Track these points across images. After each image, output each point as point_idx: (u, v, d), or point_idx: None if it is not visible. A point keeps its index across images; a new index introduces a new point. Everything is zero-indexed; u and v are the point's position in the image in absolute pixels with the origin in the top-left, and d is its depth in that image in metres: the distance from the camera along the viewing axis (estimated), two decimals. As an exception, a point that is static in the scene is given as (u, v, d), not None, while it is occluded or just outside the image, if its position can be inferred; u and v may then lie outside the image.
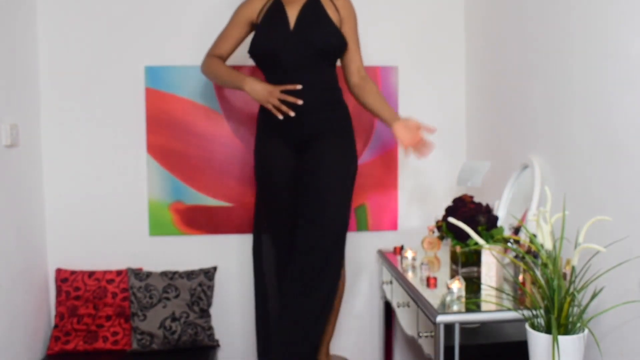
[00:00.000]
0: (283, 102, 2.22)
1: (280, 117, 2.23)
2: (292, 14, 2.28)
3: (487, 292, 1.96)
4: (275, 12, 2.30)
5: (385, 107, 2.33)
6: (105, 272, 2.73)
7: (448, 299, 1.90)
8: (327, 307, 2.28)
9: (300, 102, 2.20)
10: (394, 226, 2.95)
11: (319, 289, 2.22)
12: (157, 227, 2.83)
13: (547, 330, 1.51)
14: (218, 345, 2.72)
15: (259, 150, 2.41)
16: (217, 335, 2.82)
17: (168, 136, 2.80)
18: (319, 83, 2.28)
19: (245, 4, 2.38)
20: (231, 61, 2.48)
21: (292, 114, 2.21)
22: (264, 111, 2.35)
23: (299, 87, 2.21)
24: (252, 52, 2.31)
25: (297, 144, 2.31)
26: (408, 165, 2.94)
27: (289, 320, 2.22)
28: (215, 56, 2.41)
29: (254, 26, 2.36)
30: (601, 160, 1.73)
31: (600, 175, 1.73)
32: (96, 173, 2.79)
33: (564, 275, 1.66)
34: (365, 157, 2.89)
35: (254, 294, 2.55)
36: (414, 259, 2.43)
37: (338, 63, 2.40)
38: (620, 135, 1.64)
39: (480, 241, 1.72)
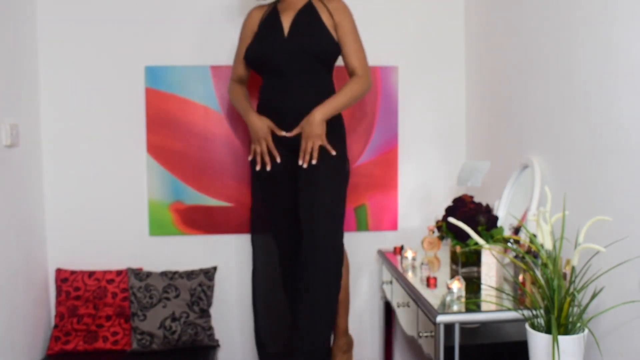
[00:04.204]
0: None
1: (258, 166, 2.32)
2: (287, 20, 2.32)
3: (487, 292, 1.96)
4: (271, 19, 2.36)
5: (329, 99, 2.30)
6: (105, 272, 2.73)
7: (448, 299, 1.90)
8: (332, 284, 2.27)
9: (278, 160, 2.30)
10: (394, 226, 2.95)
11: (323, 278, 2.23)
12: (157, 227, 2.83)
13: (547, 330, 1.51)
14: (218, 345, 2.72)
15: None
16: (217, 335, 2.82)
17: (168, 136, 2.80)
18: (314, 87, 2.31)
19: (246, 20, 2.46)
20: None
21: (268, 167, 2.31)
22: (261, 114, 2.37)
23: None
24: (247, 57, 2.38)
25: (292, 145, 2.32)
26: (408, 166, 2.94)
27: (305, 312, 2.26)
28: (236, 79, 2.51)
29: None
30: (601, 160, 1.73)
31: (600, 175, 1.73)
32: (96, 173, 2.79)
33: (564, 275, 1.66)
34: (365, 157, 2.89)
35: (252, 292, 2.61)
36: (414, 259, 2.43)
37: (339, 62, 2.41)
38: (620, 135, 1.63)
39: (480, 241, 1.71)
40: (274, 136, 2.33)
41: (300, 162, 2.25)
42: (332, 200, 2.25)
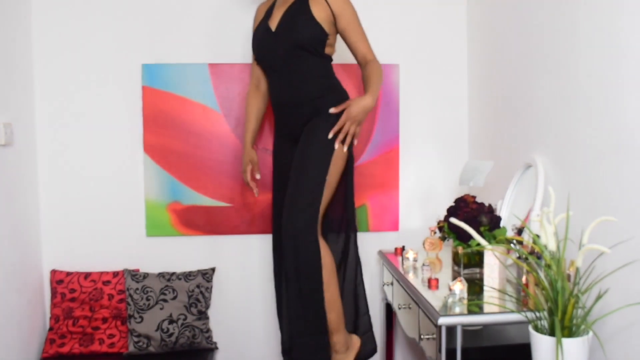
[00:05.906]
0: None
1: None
2: (278, 16, 2.35)
3: (490, 294, 1.95)
4: (266, 16, 2.41)
5: (367, 85, 2.33)
6: (101, 274, 2.70)
7: (450, 300, 1.89)
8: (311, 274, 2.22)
9: (258, 176, 2.48)
10: (395, 227, 2.92)
11: (299, 263, 2.19)
12: (154, 228, 2.80)
13: (551, 332, 1.50)
14: (216, 348, 2.71)
15: (274, 150, 2.53)
16: (215, 337, 2.80)
17: (165, 135, 2.77)
18: (308, 77, 2.31)
19: (254, 16, 2.54)
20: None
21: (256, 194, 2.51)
22: (273, 110, 2.48)
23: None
24: (254, 56, 2.48)
25: (295, 136, 2.34)
26: (409, 165, 2.92)
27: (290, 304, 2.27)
28: (254, 81, 2.55)
29: None
30: (606, 160, 1.72)
31: (605, 175, 1.72)
32: (92, 172, 2.77)
33: (568, 276, 1.65)
34: (365, 157, 2.87)
35: (275, 292, 2.55)
36: (415, 260, 2.42)
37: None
38: (624, 135, 1.62)
39: (483, 242, 1.72)
40: (281, 131, 2.41)
41: (330, 136, 2.23)
42: (308, 197, 2.21)
